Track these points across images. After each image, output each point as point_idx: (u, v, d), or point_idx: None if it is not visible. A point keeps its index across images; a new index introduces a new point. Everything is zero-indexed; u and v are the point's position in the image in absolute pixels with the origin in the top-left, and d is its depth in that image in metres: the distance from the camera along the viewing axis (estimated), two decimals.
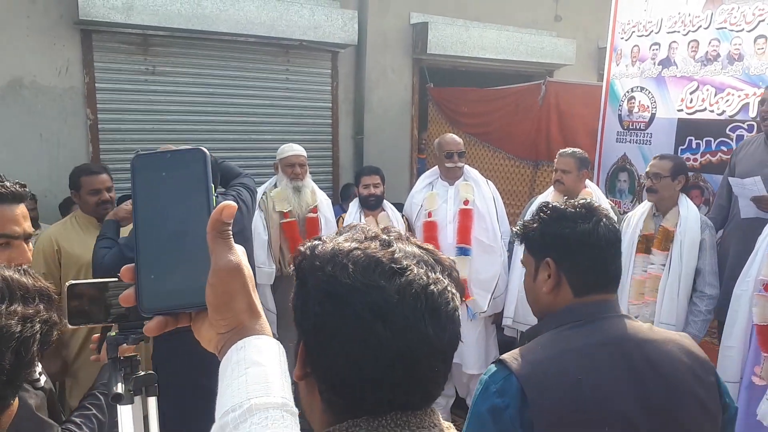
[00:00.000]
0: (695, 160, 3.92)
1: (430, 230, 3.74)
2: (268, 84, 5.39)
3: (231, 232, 0.68)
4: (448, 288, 0.77)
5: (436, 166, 3.98)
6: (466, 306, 3.70)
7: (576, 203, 1.45)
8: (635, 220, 3.51)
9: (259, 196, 3.63)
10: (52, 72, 4.52)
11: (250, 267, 0.70)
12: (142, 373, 1.26)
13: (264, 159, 5.17)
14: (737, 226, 3.42)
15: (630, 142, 4.39)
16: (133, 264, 0.69)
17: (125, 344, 1.24)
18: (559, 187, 3.65)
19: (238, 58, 5.22)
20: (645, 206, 3.52)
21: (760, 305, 2.93)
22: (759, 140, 3.45)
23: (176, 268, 0.69)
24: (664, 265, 3.34)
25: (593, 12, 6.82)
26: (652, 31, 4.25)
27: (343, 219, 3.85)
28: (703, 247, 3.27)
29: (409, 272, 0.74)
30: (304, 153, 3.69)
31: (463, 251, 3.69)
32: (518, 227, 1.54)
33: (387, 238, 0.79)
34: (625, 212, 4.15)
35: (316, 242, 0.79)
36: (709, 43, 3.87)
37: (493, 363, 1.33)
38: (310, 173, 3.86)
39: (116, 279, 1.10)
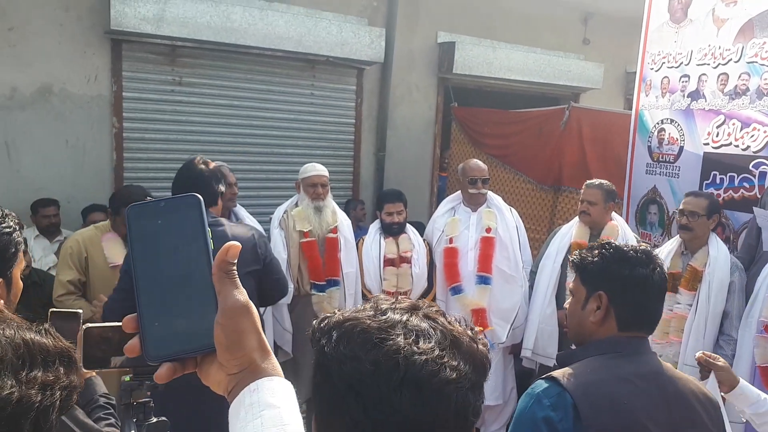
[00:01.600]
0: (718, 195, 3.84)
1: (451, 256, 3.69)
2: (293, 99, 5.40)
3: (237, 272, 0.69)
4: (440, 359, 0.71)
5: (459, 191, 3.94)
6: (484, 335, 3.64)
7: (638, 248, 1.58)
8: (662, 257, 3.44)
9: (280, 214, 3.62)
10: (81, 80, 4.56)
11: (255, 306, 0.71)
12: (155, 420, 1.23)
13: (285, 173, 5.17)
14: (763, 260, 3.34)
15: (660, 174, 4.32)
16: (135, 314, 0.69)
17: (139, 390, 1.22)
18: (585, 218, 3.58)
19: (265, 72, 5.23)
20: (673, 243, 3.45)
21: (761, 346, 2.96)
22: None
23: (180, 313, 0.69)
24: (690, 305, 3.27)
25: (622, 37, 6.75)
26: (681, 62, 4.19)
27: (363, 241, 3.81)
28: (732, 290, 3.20)
29: (391, 342, 0.71)
30: (326, 173, 3.67)
31: (484, 280, 3.63)
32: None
33: (386, 307, 0.76)
34: (655, 246, 4.07)
35: (327, 315, 0.80)
36: (739, 76, 3.80)
37: (542, 378, 1.45)
38: (332, 189, 3.84)
39: None
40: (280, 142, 5.39)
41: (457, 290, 3.70)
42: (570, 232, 3.64)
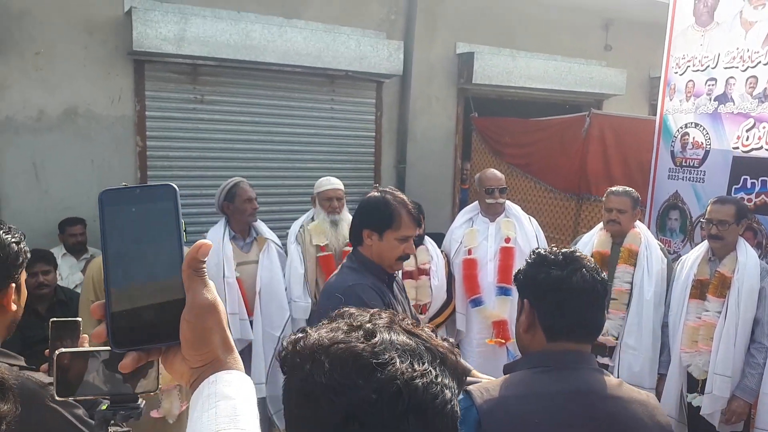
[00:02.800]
0: (749, 200, 3.73)
1: (470, 268, 3.66)
2: (313, 113, 5.44)
3: (206, 270, 0.70)
4: (437, 380, 0.71)
5: (477, 202, 3.91)
6: (507, 348, 3.58)
7: (559, 251, 1.49)
8: (689, 263, 3.36)
9: (296, 229, 3.63)
10: (105, 101, 4.68)
11: (223, 303, 0.72)
12: None
13: (307, 187, 5.18)
14: None
15: (683, 179, 4.22)
16: (103, 301, 0.69)
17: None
18: (614, 227, 3.48)
19: (285, 88, 5.29)
20: (700, 249, 3.36)
21: None
22: None
23: (147, 304, 0.69)
24: (719, 313, 3.18)
25: (645, 42, 6.66)
26: (708, 66, 4.10)
27: None
28: (762, 296, 3.11)
29: (390, 366, 0.69)
30: (342, 186, 3.68)
31: (504, 291, 3.59)
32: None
33: (371, 327, 0.75)
34: (675, 252, 3.97)
35: (300, 335, 0.78)
36: None
37: (462, 391, 1.37)
38: (353, 202, 3.84)
39: (108, 348, 1.07)
40: (300, 157, 5.44)
41: (477, 302, 3.66)
42: (592, 241, 3.56)
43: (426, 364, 0.72)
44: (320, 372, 0.71)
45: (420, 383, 0.69)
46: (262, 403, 3.49)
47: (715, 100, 4.04)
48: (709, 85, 4.08)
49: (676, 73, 4.35)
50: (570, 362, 1.40)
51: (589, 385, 1.37)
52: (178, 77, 4.90)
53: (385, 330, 0.74)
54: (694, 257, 3.37)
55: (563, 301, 1.41)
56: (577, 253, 1.50)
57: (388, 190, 2.19)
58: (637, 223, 3.60)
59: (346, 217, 3.63)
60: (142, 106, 4.78)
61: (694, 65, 4.22)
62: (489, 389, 1.38)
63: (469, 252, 3.69)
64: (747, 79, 3.84)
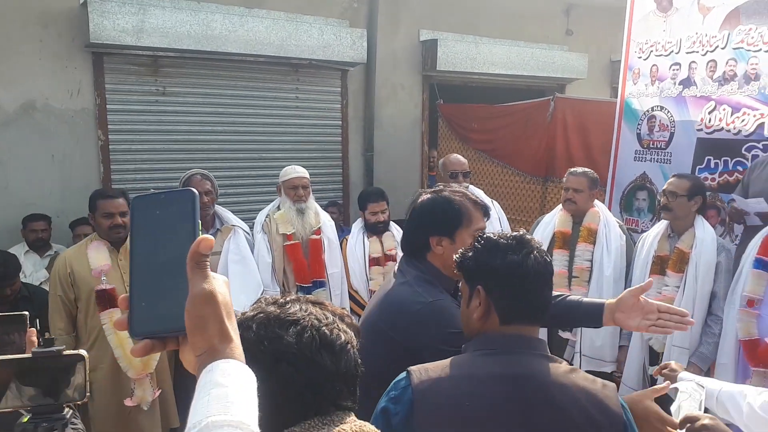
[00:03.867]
0: (713, 179, 3.86)
1: None
2: (277, 103, 5.42)
3: (208, 263, 0.75)
4: (337, 327, 1.04)
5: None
6: None
7: (509, 235, 1.48)
8: (650, 240, 3.45)
9: (262, 218, 3.62)
10: (64, 94, 4.59)
11: (227, 294, 0.77)
12: None
13: (273, 177, 5.13)
14: (748, 238, 3.37)
15: (650, 161, 4.33)
16: (127, 294, 0.77)
17: None
18: (570, 206, 3.58)
19: (248, 78, 5.25)
20: (660, 226, 3.46)
21: (744, 321, 2.98)
22: None
23: (164, 295, 0.75)
24: (678, 287, 3.27)
25: (605, 26, 6.77)
26: (672, 51, 4.20)
27: (347, 241, 3.82)
28: (719, 270, 3.21)
29: (303, 321, 1.01)
30: (307, 175, 3.68)
31: None
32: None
33: (283, 301, 1.06)
34: (643, 231, 4.08)
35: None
36: (727, 62, 3.83)
37: (405, 371, 1.40)
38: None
39: (29, 356, 1.10)
40: (266, 147, 5.41)
41: None
42: (553, 221, 3.64)
43: (329, 318, 1.03)
44: (249, 333, 0.96)
45: (326, 329, 1.00)
46: None
47: (679, 84, 4.14)
48: (673, 70, 4.18)
49: (640, 57, 4.43)
50: (516, 346, 1.39)
51: (531, 370, 1.35)
52: (139, 69, 4.83)
53: (294, 302, 1.04)
54: (654, 234, 3.46)
55: (521, 285, 1.41)
56: (527, 237, 1.49)
57: (440, 187, 1.97)
58: (596, 202, 3.68)
59: (312, 205, 3.64)
60: (102, 99, 4.70)
61: (657, 50, 4.31)
62: (429, 369, 1.38)
63: None
64: (707, 63, 3.95)
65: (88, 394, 1.11)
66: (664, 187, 3.36)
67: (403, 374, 1.38)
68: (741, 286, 3.01)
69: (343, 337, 1.01)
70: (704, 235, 3.26)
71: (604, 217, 3.54)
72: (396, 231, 3.78)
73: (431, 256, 1.82)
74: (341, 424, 0.98)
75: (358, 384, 1.08)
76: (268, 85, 5.35)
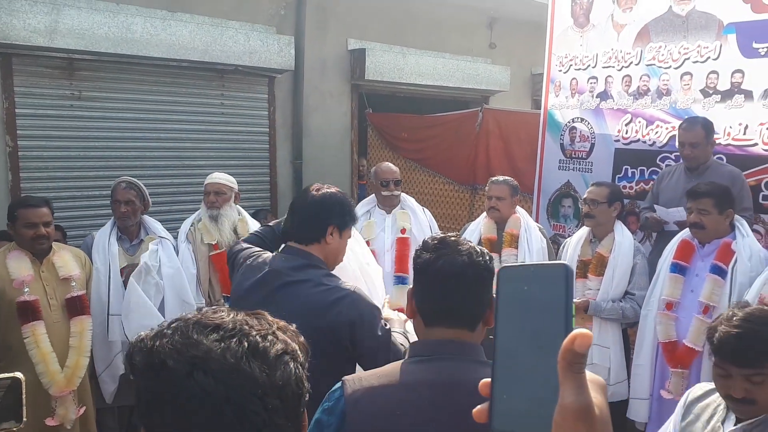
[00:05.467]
0: (631, 188, 4.07)
1: None
2: (202, 109, 5.27)
3: (584, 365, 0.61)
4: (274, 334, 0.81)
5: (374, 194, 3.96)
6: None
7: (436, 236, 1.47)
8: (572, 245, 3.59)
9: (186, 227, 3.51)
10: None
11: (605, 406, 0.62)
12: None
13: (198, 185, 5.00)
14: (664, 241, 3.56)
15: (573, 170, 4.51)
16: (489, 378, 0.66)
17: None
18: (495, 213, 3.68)
19: (171, 84, 5.08)
20: (582, 232, 3.60)
21: (663, 323, 3.13)
22: (678, 172, 3.62)
23: (527, 391, 0.64)
24: (599, 290, 3.42)
25: (527, 41, 7.03)
26: (589, 65, 4.41)
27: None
28: (634, 272, 3.38)
29: (227, 324, 0.79)
30: (225, 181, 3.58)
31: (401, 280, 3.66)
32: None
33: (205, 309, 0.84)
34: (570, 236, 4.25)
35: (140, 336, 0.81)
36: (640, 78, 4.06)
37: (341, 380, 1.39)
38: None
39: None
40: (191, 154, 5.24)
41: None
42: (478, 228, 3.74)
43: (262, 324, 0.82)
44: (163, 343, 0.76)
45: (257, 336, 0.79)
46: None
47: (597, 97, 4.35)
48: (591, 83, 4.39)
49: (560, 71, 4.63)
50: (447, 352, 1.36)
51: (462, 377, 1.30)
52: (52, 72, 4.56)
53: (223, 310, 0.84)
54: (576, 239, 3.61)
55: (428, 285, 1.41)
56: (455, 240, 1.45)
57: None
58: (518, 208, 3.82)
59: (230, 213, 3.52)
60: (11, 102, 4.40)
61: (576, 64, 4.51)
62: (363, 379, 1.36)
63: (368, 243, 3.72)
64: (623, 78, 4.18)
65: (24, 419, 1.02)
66: (585, 196, 3.51)
67: (338, 384, 1.37)
68: (659, 290, 3.16)
69: (280, 346, 0.80)
70: (623, 239, 3.43)
71: (524, 222, 3.67)
72: None
73: (321, 245, 1.92)
74: None
75: (303, 408, 0.86)
76: (192, 91, 5.19)
